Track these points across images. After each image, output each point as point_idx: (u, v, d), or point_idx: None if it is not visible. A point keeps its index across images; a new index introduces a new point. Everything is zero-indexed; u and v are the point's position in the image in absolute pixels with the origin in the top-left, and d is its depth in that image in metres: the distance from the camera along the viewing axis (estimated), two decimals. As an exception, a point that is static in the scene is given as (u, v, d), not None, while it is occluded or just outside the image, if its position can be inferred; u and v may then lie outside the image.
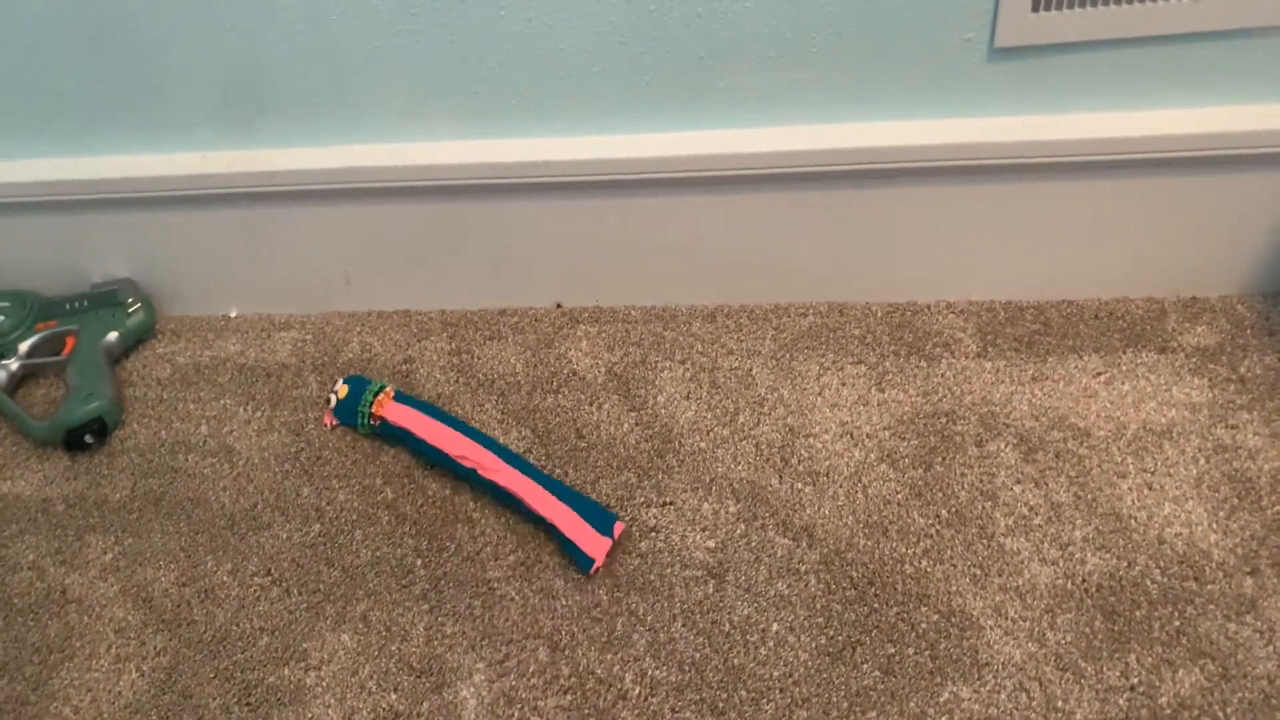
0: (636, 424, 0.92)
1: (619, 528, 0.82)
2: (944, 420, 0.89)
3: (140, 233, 1.01)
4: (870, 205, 0.91)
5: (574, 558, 0.82)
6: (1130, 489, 0.83)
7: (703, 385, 0.94)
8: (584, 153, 0.90)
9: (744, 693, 0.75)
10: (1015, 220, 0.92)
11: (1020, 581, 0.79)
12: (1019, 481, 0.84)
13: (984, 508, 0.83)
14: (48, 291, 1.05)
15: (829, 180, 0.90)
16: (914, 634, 0.77)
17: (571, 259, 0.99)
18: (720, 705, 0.74)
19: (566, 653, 0.78)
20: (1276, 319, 0.93)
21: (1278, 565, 0.78)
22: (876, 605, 0.78)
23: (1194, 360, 0.91)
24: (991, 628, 0.76)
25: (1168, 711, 0.71)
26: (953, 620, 0.77)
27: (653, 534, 0.84)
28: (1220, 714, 0.71)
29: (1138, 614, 0.76)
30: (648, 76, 0.86)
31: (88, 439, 0.94)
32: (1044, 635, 0.76)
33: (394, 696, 0.77)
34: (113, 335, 1.01)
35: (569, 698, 0.76)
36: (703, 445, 0.90)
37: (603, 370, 0.97)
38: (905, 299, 0.99)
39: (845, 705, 0.74)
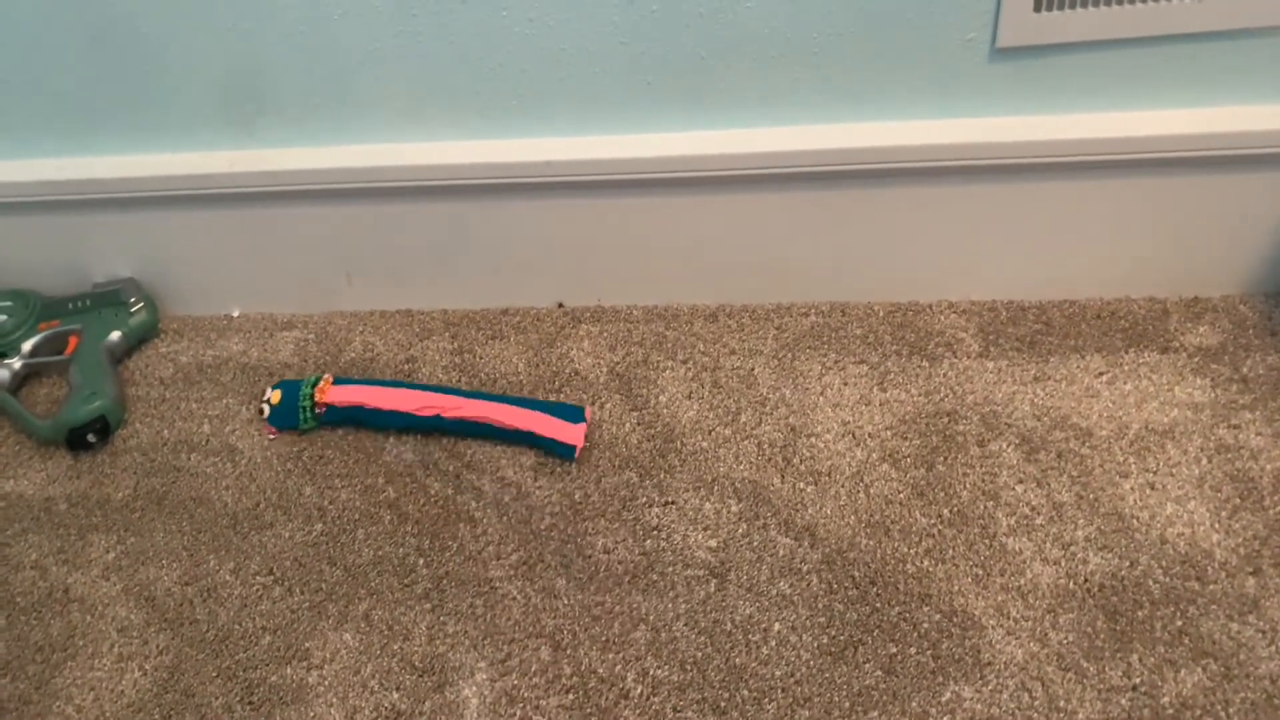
0: (638, 423, 0.92)
1: (589, 412, 0.89)
2: (946, 420, 0.89)
3: (142, 232, 1.01)
4: (872, 205, 0.91)
5: (556, 452, 0.88)
6: (1132, 489, 0.83)
7: (705, 385, 0.94)
8: (585, 153, 0.90)
9: (746, 692, 0.75)
10: (1017, 220, 0.91)
11: (1022, 581, 0.79)
12: (1021, 481, 0.84)
13: (986, 507, 0.83)
14: (50, 291, 1.05)
15: (831, 180, 0.90)
16: (916, 634, 0.77)
17: (573, 259, 0.99)
18: (722, 705, 0.75)
19: (568, 652, 0.78)
20: (1278, 319, 0.93)
21: (1280, 565, 0.78)
22: (878, 605, 0.78)
23: (1196, 360, 0.91)
24: (994, 627, 0.76)
25: (1170, 711, 0.71)
26: (955, 620, 0.77)
27: (655, 533, 0.84)
28: (1223, 714, 0.71)
29: (1140, 614, 0.76)
30: (649, 76, 0.86)
31: (90, 438, 0.95)
32: (1046, 635, 0.76)
33: (396, 695, 0.77)
34: (115, 335, 1.01)
35: (571, 697, 0.76)
36: (705, 445, 0.90)
37: (605, 370, 0.97)
38: (907, 299, 0.99)
39: (847, 705, 0.74)
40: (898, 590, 0.79)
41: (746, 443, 0.90)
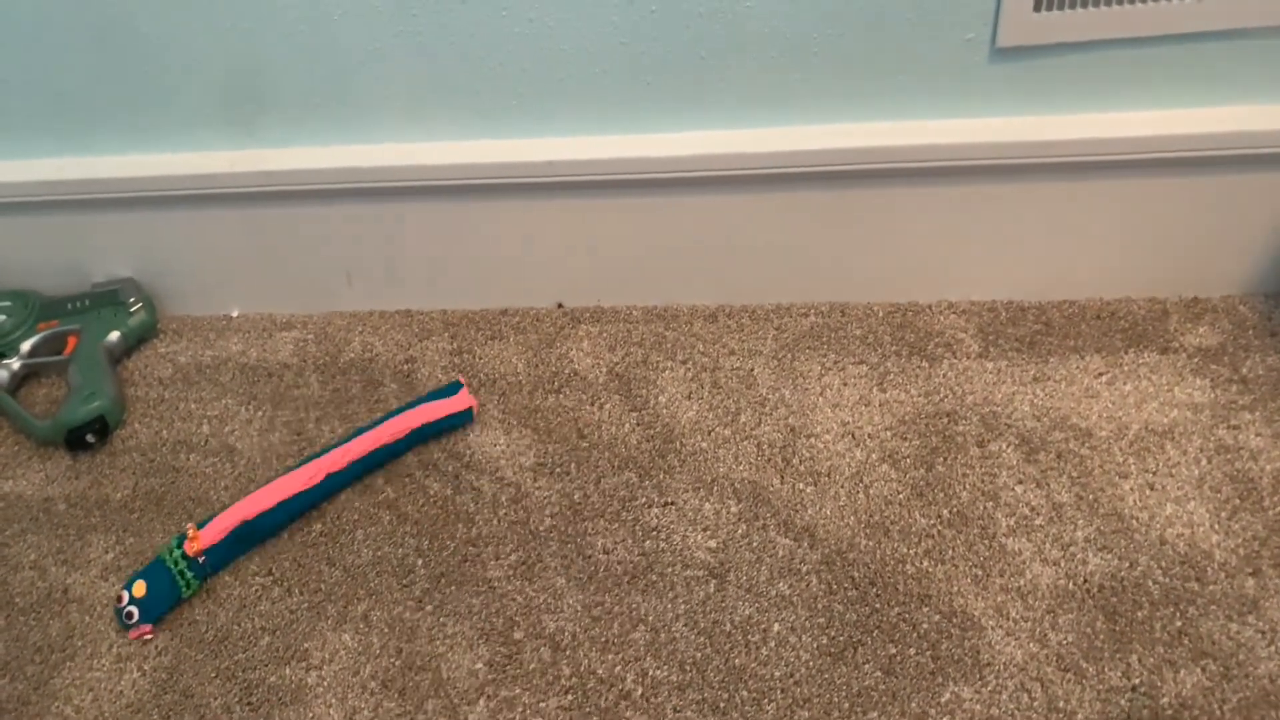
0: (638, 424, 0.92)
1: (462, 379, 0.92)
2: (945, 420, 0.89)
3: (142, 232, 1.01)
4: (872, 205, 0.91)
5: (457, 423, 0.91)
6: (1132, 489, 0.83)
7: (704, 385, 0.94)
8: (585, 153, 0.90)
9: (745, 693, 0.75)
10: (1017, 220, 0.91)
11: (1022, 582, 0.79)
12: (1020, 482, 0.84)
13: (985, 508, 0.83)
14: (49, 291, 1.05)
15: (831, 180, 0.90)
16: (915, 634, 0.77)
17: (573, 259, 0.99)
18: (722, 705, 0.74)
19: (568, 652, 0.78)
20: (1278, 319, 0.93)
21: (1280, 566, 0.78)
22: (878, 605, 0.78)
23: (1196, 361, 0.91)
24: (993, 628, 0.76)
25: (1169, 712, 0.71)
26: (954, 620, 0.77)
27: (654, 534, 0.84)
28: (1222, 714, 0.71)
29: (1139, 614, 0.76)
30: (649, 76, 0.86)
31: (89, 438, 0.95)
32: (1045, 636, 0.76)
33: (395, 696, 0.77)
34: (114, 335, 1.01)
35: (570, 698, 0.76)
36: (704, 445, 0.90)
37: (604, 370, 0.97)
38: (907, 299, 0.99)
39: (846, 705, 0.74)
40: (897, 591, 0.79)
41: (746, 443, 0.90)
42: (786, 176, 0.89)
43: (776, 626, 0.78)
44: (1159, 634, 0.75)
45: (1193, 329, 0.93)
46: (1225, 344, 0.92)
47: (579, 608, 0.81)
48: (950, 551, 0.81)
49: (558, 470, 0.89)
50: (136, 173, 0.95)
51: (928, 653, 0.76)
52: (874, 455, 0.87)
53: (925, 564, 0.80)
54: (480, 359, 0.99)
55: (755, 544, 0.83)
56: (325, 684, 0.78)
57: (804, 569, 0.81)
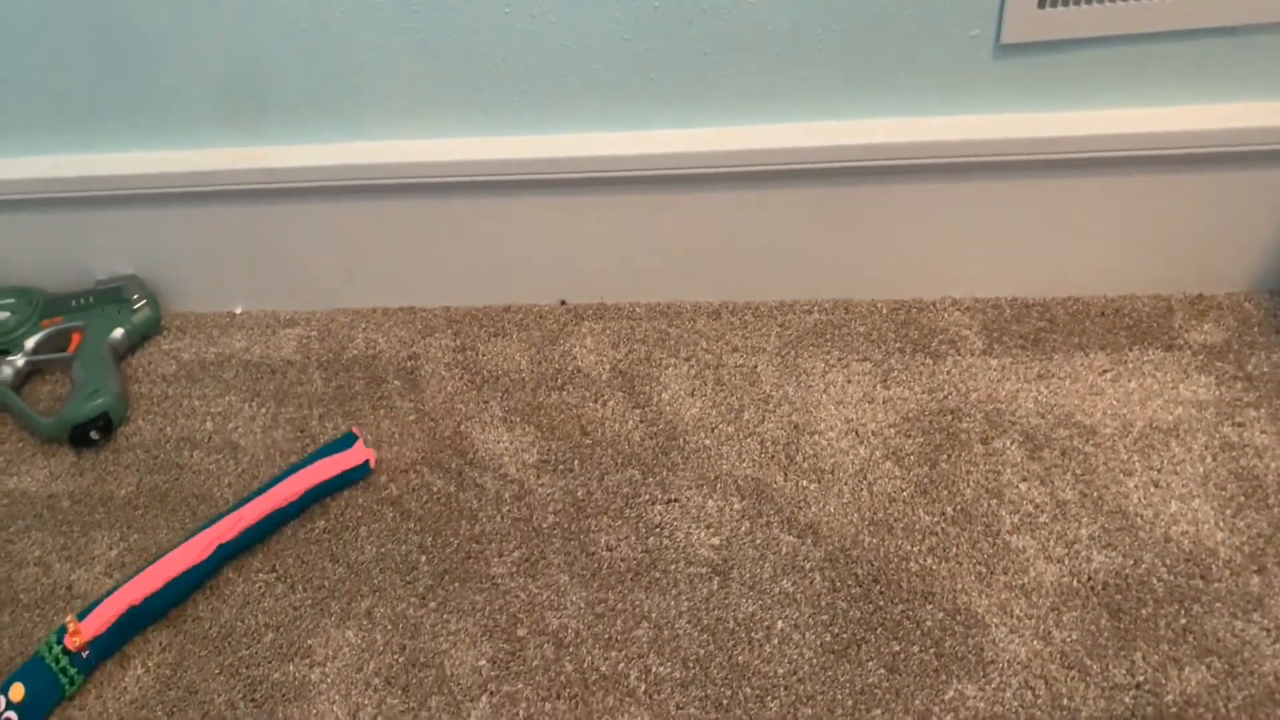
0: (641, 421, 0.92)
1: (357, 429, 0.90)
2: (949, 417, 0.89)
3: (145, 229, 1.01)
4: (876, 202, 0.91)
5: (355, 478, 0.88)
6: (1136, 486, 0.83)
7: (707, 382, 0.94)
8: (588, 149, 0.90)
9: (748, 690, 0.75)
10: (1021, 217, 0.91)
11: (1026, 579, 0.78)
12: (1025, 479, 0.84)
13: (989, 505, 0.83)
14: (53, 288, 1.05)
15: (834, 177, 0.90)
16: (919, 631, 0.77)
17: (576, 256, 0.99)
18: (725, 702, 0.74)
19: (571, 649, 0.78)
20: (1284, 316, 0.93)
21: (1285, 563, 0.77)
22: (881, 603, 0.78)
23: (1201, 358, 0.91)
24: (997, 625, 0.76)
25: (1174, 709, 0.71)
26: (958, 618, 0.77)
27: (657, 531, 0.84)
28: (1226, 712, 0.71)
29: (1144, 612, 0.76)
30: (652, 73, 0.86)
31: (93, 435, 0.95)
32: (1049, 633, 0.75)
33: (399, 693, 0.77)
34: (118, 332, 1.01)
35: (573, 694, 0.76)
36: (707, 442, 0.90)
37: (607, 367, 0.97)
38: (911, 296, 0.99)
39: (850, 703, 0.74)
40: (901, 588, 0.79)
41: (749, 440, 0.89)
42: (790, 173, 0.89)
43: (780, 624, 0.78)
44: (1163, 631, 0.75)
45: (1198, 326, 0.93)
46: (1230, 341, 0.92)
47: (582, 605, 0.81)
48: (954, 549, 0.81)
49: (561, 467, 0.89)
50: (139, 170, 0.95)
51: (931, 650, 0.76)
52: (878, 452, 0.87)
53: (929, 561, 0.80)
54: (483, 356, 0.99)
55: (759, 541, 0.83)
56: (329, 680, 0.78)
57: (807, 566, 0.81)
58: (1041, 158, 0.86)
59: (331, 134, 0.93)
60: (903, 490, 0.85)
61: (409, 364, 1.00)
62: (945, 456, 0.86)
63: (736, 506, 0.85)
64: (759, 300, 1.00)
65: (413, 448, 0.92)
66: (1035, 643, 0.75)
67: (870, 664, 0.75)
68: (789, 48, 0.84)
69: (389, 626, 0.81)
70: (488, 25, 0.84)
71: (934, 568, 0.80)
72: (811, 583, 0.80)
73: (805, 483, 0.86)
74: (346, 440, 0.89)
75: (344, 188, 0.95)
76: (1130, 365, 0.91)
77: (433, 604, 0.82)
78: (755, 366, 0.95)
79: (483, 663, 0.78)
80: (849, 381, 0.93)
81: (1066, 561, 0.79)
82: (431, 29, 0.85)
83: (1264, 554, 0.78)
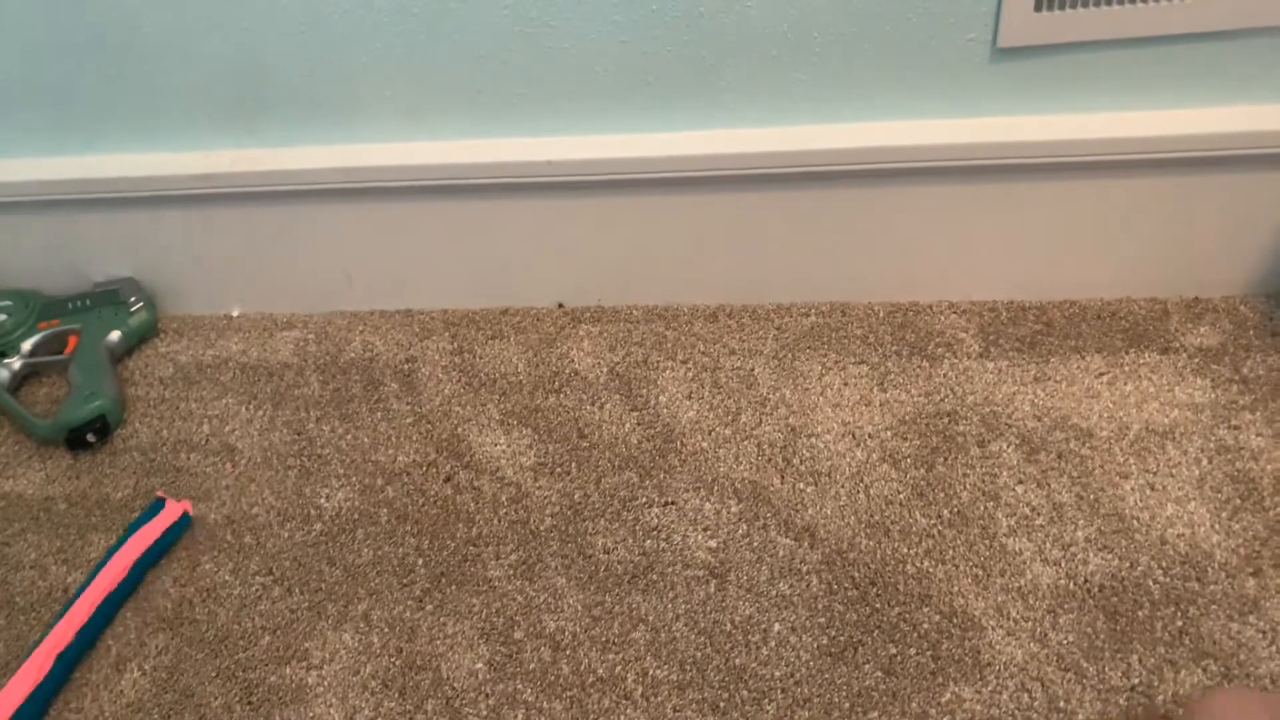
0: (638, 424, 0.92)
1: (161, 493, 0.88)
2: (946, 420, 0.89)
3: (142, 232, 1.01)
4: (873, 205, 0.91)
5: (177, 534, 0.87)
6: (1133, 489, 0.83)
7: (705, 385, 0.94)
8: (586, 152, 0.90)
9: (745, 692, 0.75)
10: (1018, 220, 0.91)
11: (1022, 582, 0.78)
12: (1021, 482, 0.84)
13: (986, 508, 0.83)
14: (50, 290, 1.05)
15: (832, 180, 0.90)
16: (916, 634, 0.77)
17: (573, 258, 0.99)
18: (722, 705, 0.74)
19: (568, 652, 0.78)
20: (1279, 319, 0.93)
21: (1280, 566, 0.78)
22: (878, 605, 0.78)
23: (1197, 361, 0.91)
24: (993, 628, 0.76)
25: (1169, 712, 0.71)
26: (955, 621, 0.77)
27: (654, 534, 0.84)
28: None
29: (1140, 614, 0.76)
30: (650, 76, 0.86)
31: (90, 438, 0.95)
32: (1046, 636, 0.76)
33: (396, 696, 0.77)
34: (115, 334, 1.01)
35: (570, 697, 0.76)
36: (704, 445, 0.90)
37: (605, 370, 0.97)
38: (907, 299, 0.99)
39: (847, 705, 0.74)
40: (897, 591, 0.79)
41: (746, 443, 0.90)
42: (787, 176, 0.89)
43: (777, 626, 0.78)
44: (1160, 634, 0.75)
45: (1194, 329, 0.93)
46: (1226, 344, 0.92)
47: (579, 607, 0.81)
48: (951, 551, 0.81)
49: (558, 470, 0.89)
50: (137, 172, 0.95)
51: (928, 653, 0.76)
52: (874, 455, 0.87)
53: (926, 564, 0.80)
54: (481, 358, 0.99)
55: (756, 544, 0.83)
56: (325, 683, 0.78)
57: (804, 569, 0.81)
58: (1038, 161, 0.86)
59: (329, 136, 0.93)
60: (899, 493, 0.85)
61: (406, 366, 0.99)
62: (942, 459, 0.87)
63: (733, 509, 0.85)
64: (756, 303, 1.00)
65: (410, 450, 0.92)
66: (1032, 645, 0.75)
67: (867, 666, 0.75)
68: (787, 51, 0.84)
69: (386, 629, 0.81)
70: (486, 28, 0.85)
71: (931, 570, 0.80)
72: (808, 585, 0.80)
73: (802, 485, 0.86)
74: (155, 508, 0.87)
75: (342, 190, 0.95)
76: (1126, 368, 0.91)
77: (430, 606, 0.82)
78: (752, 369, 0.95)
79: (480, 665, 0.78)
80: (846, 384, 0.93)
81: (1063, 564, 0.79)
82: (430, 31, 0.85)
83: (1260, 556, 0.78)
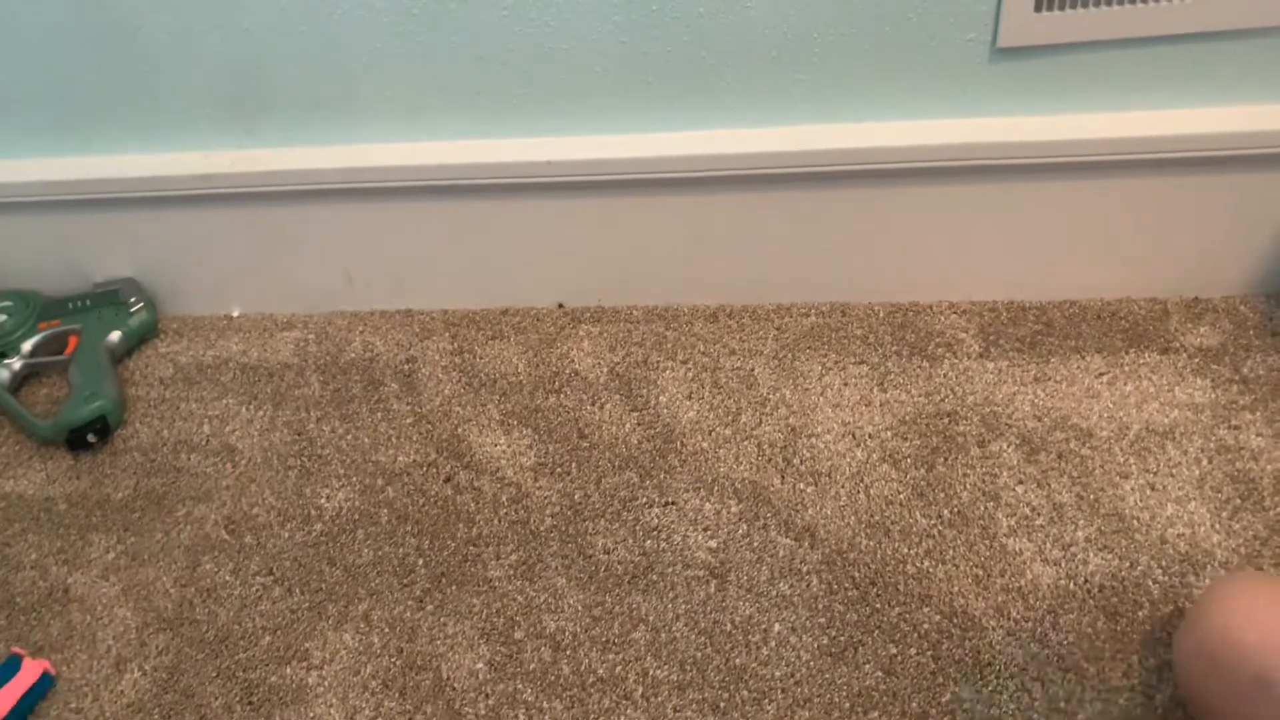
0: (638, 424, 0.92)
1: (17, 650, 0.81)
2: (946, 421, 0.89)
3: (143, 232, 1.01)
4: (873, 205, 0.91)
5: (41, 692, 0.79)
6: (1133, 489, 0.83)
7: (705, 385, 0.94)
8: (586, 152, 0.90)
9: (745, 692, 0.75)
10: (1018, 220, 0.91)
11: (1022, 582, 0.79)
12: (1021, 482, 0.84)
13: (986, 508, 0.83)
14: (50, 291, 1.05)
15: (831, 180, 0.90)
16: (916, 634, 0.77)
17: (574, 258, 0.99)
18: (722, 705, 0.74)
19: (568, 652, 0.78)
20: (1279, 319, 0.93)
21: (1280, 566, 0.78)
22: (879, 605, 0.78)
23: (1197, 361, 0.91)
24: (994, 628, 0.76)
25: (1166, 712, 0.71)
26: (955, 621, 0.77)
27: (655, 534, 0.84)
28: (1223, 715, 0.71)
29: (1140, 614, 0.76)
30: (649, 76, 0.86)
31: (90, 438, 0.95)
32: (1046, 636, 0.76)
33: (396, 696, 0.77)
34: (115, 335, 1.01)
35: (571, 697, 0.76)
36: (705, 445, 0.90)
37: (605, 370, 0.97)
38: (907, 299, 0.99)
39: (847, 705, 0.74)
40: (898, 591, 0.79)
41: (747, 443, 0.90)
42: (787, 176, 0.89)
43: (777, 626, 0.78)
44: (1160, 634, 0.75)
45: (1193, 329, 0.93)
46: (1226, 344, 0.92)
47: (579, 607, 0.81)
48: (951, 552, 0.81)
49: (558, 470, 0.89)
50: (137, 172, 0.95)
51: (928, 653, 0.76)
52: (875, 455, 0.87)
53: (926, 564, 0.80)
54: (481, 358, 0.99)
55: (756, 544, 0.83)
56: (326, 684, 0.78)
57: (804, 569, 0.81)
58: (1038, 161, 0.86)
59: (329, 136, 0.93)
60: (900, 493, 0.85)
61: (406, 367, 1.00)
62: (942, 459, 0.87)
63: (734, 509, 0.85)
64: (756, 303, 1.00)
65: (410, 450, 0.92)
66: (1032, 645, 0.75)
67: (867, 666, 0.75)
68: (786, 51, 0.84)
69: (386, 629, 0.81)
70: (486, 28, 0.85)
71: (931, 570, 0.80)
72: (809, 585, 0.80)
73: (802, 485, 0.86)
74: (11, 665, 0.79)
75: (342, 190, 0.95)
76: (1126, 368, 0.91)
77: (430, 607, 0.82)
78: (752, 369, 0.95)
79: (480, 665, 0.78)
80: (846, 384, 0.93)
81: (1063, 564, 0.79)
82: (430, 31, 0.85)
83: (1260, 556, 0.78)
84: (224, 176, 0.94)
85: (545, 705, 0.76)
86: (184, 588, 0.85)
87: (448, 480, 0.90)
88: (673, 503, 0.86)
